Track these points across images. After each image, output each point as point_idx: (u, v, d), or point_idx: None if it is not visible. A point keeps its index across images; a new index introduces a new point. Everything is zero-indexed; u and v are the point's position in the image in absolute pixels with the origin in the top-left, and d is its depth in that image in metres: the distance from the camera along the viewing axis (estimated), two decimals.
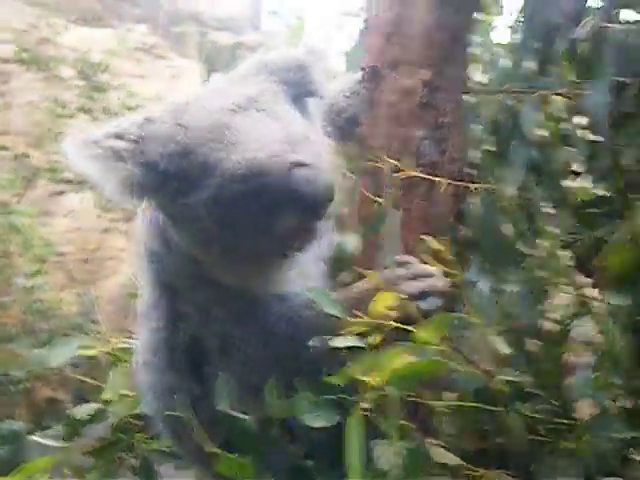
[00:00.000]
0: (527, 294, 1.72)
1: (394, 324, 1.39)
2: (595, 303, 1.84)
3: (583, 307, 1.81)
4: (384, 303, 1.39)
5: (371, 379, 1.32)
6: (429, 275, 1.55)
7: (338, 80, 1.96)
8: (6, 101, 8.71)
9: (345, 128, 1.86)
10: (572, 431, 1.59)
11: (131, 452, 1.92)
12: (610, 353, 1.72)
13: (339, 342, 1.38)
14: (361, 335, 1.42)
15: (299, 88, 1.66)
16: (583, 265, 1.73)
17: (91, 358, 2.12)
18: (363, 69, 1.77)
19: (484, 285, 1.80)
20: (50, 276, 7.31)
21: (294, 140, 1.51)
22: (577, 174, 1.85)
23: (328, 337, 1.41)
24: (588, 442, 1.55)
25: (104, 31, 9.85)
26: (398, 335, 1.39)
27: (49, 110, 7.83)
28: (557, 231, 1.82)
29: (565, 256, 1.80)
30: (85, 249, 8.45)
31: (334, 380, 1.35)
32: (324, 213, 1.51)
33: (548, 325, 1.83)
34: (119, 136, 1.49)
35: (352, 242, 1.46)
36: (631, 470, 1.58)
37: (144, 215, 1.69)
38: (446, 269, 1.55)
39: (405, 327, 1.38)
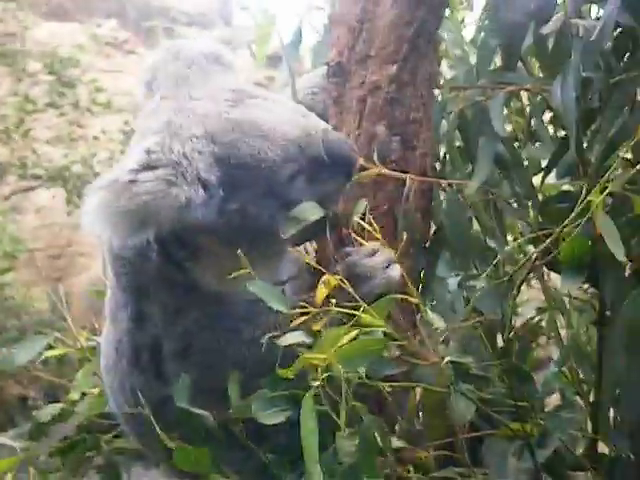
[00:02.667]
0: (495, 289, 1.72)
1: (337, 309, 1.39)
2: (562, 298, 1.85)
3: (550, 302, 1.82)
4: (327, 288, 1.40)
5: (317, 359, 1.32)
6: (378, 250, 1.56)
7: (304, 77, 1.95)
8: None
9: None
10: (525, 416, 1.60)
11: (97, 452, 1.91)
12: (574, 347, 1.74)
13: (290, 339, 1.38)
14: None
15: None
16: (550, 260, 1.73)
17: (61, 356, 2.10)
18: (328, 64, 1.76)
19: (452, 280, 1.81)
20: (20, 273, 7.28)
21: (303, 112, 1.58)
22: (544, 170, 1.85)
23: (278, 334, 1.40)
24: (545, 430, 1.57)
25: (73, 26, 9.80)
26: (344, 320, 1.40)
27: (17, 105, 7.77)
28: (524, 227, 1.83)
29: (532, 251, 1.81)
30: (55, 246, 8.41)
31: (285, 373, 1.35)
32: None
33: (516, 320, 1.84)
34: (150, 167, 1.41)
35: (312, 210, 1.48)
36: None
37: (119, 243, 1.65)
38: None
39: (350, 311, 1.39)
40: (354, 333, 1.34)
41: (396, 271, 1.54)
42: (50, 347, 1.99)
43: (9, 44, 8.38)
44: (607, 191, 1.43)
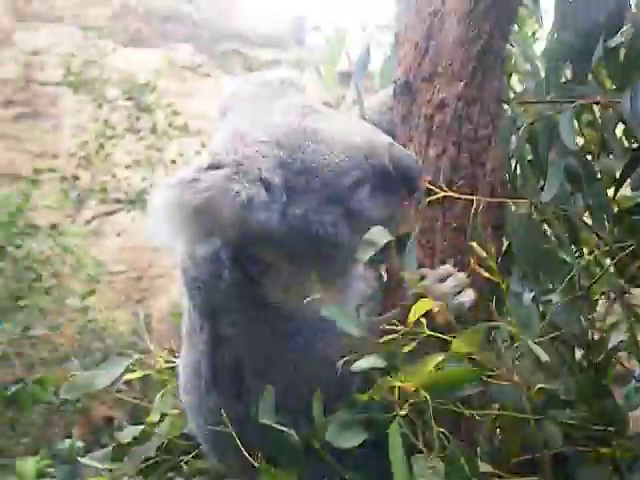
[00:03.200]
0: (572, 304, 1.70)
1: (428, 332, 1.39)
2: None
3: (629, 316, 1.79)
4: (421, 311, 1.39)
5: (405, 385, 1.32)
6: (452, 273, 1.55)
7: (372, 96, 1.96)
8: (55, 124, 8.85)
9: None
10: (612, 439, 1.57)
11: (177, 472, 1.93)
12: None
13: (362, 363, 1.38)
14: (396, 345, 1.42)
15: None
16: (627, 273, 1.71)
17: (143, 376, 2.13)
18: (395, 82, 1.77)
19: (527, 295, 1.79)
20: (103, 295, 7.39)
21: (369, 127, 1.61)
22: (617, 182, 1.82)
23: (352, 358, 1.40)
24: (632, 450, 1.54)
25: (150, 51, 9.97)
26: (435, 344, 1.39)
27: (97, 131, 7.93)
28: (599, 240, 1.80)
29: (608, 264, 1.78)
30: (136, 268, 8.54)
31: (367, 396, 1.36)
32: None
33: (594, 334, 1.81)
34: (214, 166, 1.46)
35: (382, 234, 1.49)
36: None
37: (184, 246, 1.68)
38: (491, 277, 1.53)
39: (440, 335, 1.38)
40: (441, 360, 1.34)
41: (468, 297, 1.53)
42: (132, 369, 2.02)
43: (89, 72, 8.58)
44: None
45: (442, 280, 1.55)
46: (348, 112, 1.91)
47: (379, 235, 1.48)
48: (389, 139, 1.60)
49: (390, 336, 1.41)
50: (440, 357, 1.35)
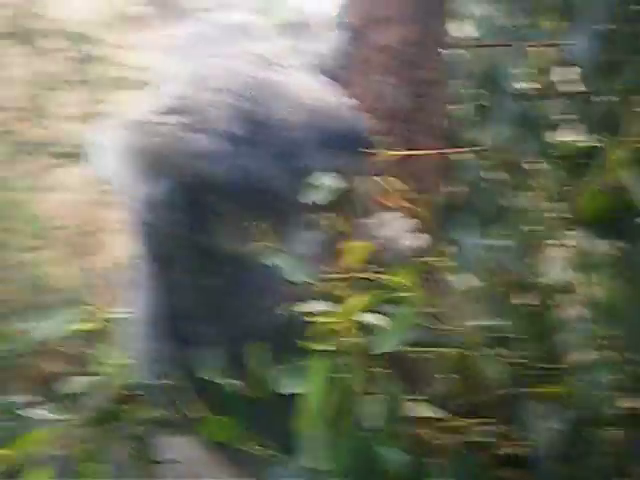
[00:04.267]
0: (514, 248, 1.73)
1: (364, 275, 1.40)
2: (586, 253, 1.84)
3: (574, 259, 1.82)
4: (356, 254, 1.40)
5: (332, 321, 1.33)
6: (394, 219, 1.57)
7: (320, 41, 1.96)
8: None
9: None
10: (556, 377, 1.60)
11: (127, 422, 1.93)
12: (605, 304, 1.73)
13: (310, 306, 1.38)
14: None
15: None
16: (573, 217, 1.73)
17: (88, 330, 2.12)
18: (342, 27, 1.76)
19: (469, 240, 1.81)
20: (46, 250, 7.33)
21: (324, 83, 1.63)
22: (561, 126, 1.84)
23: (299, 303, 1.40)
24: (575, 387, 1.57)
25: (89, 1, 9.80)
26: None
27: (38, 83, 7.79)
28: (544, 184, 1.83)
29: (554, 209, 1.80)
30: (78, 223, 8.47)
31: (304, 344, 1.36)
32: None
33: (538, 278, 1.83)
34: (176, 111, 1.46)
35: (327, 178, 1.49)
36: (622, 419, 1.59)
37: (136, 190, 1.67)
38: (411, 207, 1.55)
39: (376, 276, 1.39)
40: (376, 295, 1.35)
41: (414, 239, 1.55)
42: (76, 321, 2.00)
43: (26, 22, 8.41)
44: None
45: (387, 226, 1.56)
46: (298, 57, 1.90)
47: (323, 179, 1.48)
48: (343, 98, 1.62)
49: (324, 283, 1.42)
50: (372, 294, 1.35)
